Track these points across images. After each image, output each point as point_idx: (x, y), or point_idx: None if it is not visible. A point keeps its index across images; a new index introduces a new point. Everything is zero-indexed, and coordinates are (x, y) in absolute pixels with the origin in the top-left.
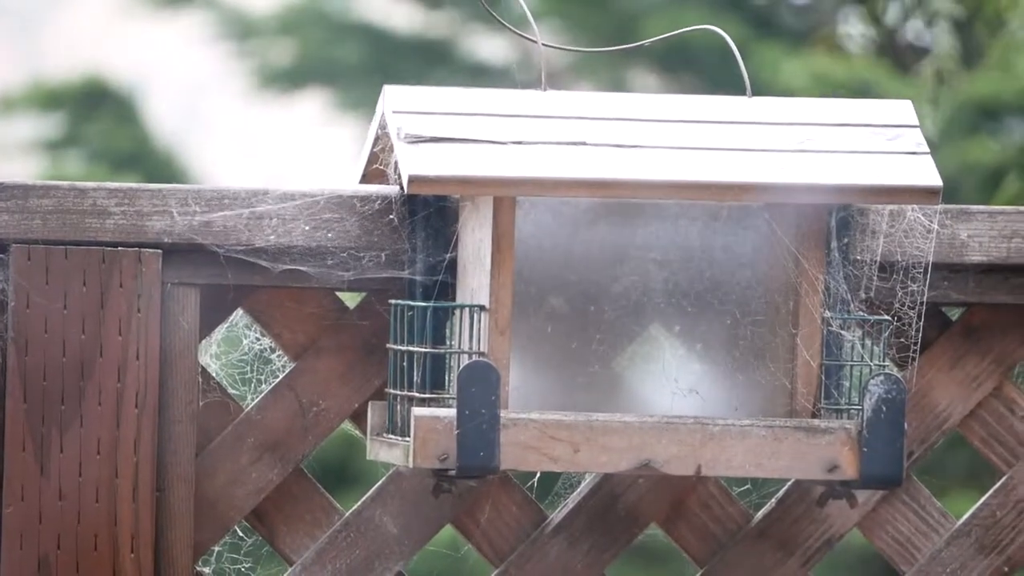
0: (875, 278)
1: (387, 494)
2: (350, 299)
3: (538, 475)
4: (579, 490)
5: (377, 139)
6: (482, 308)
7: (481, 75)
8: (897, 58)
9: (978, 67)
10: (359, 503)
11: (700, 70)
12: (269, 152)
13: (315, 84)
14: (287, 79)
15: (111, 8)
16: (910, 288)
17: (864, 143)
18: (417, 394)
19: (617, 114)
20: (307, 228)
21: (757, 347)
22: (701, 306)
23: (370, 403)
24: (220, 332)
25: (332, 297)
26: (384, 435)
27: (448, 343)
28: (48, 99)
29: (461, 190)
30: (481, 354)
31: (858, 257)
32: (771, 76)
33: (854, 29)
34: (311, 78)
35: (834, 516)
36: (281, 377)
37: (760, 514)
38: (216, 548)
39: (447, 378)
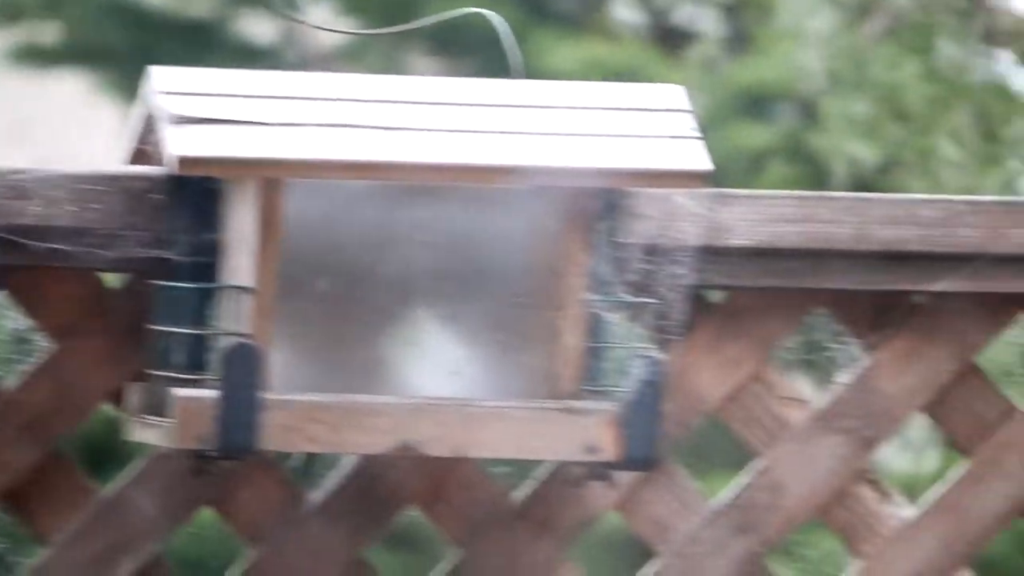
0: (639, 261)
1: (147, 475)
2: (113, 280)
3: (298, 456)
4: (338, 471)
5: (143, 120)
6: (246, 289)
7: (249, 57)
8: (668, 44)
9: (746, 54)
10: (118, 484)
11: (475, 54)
12: (32, 132)
13: (79, 64)
14: (49, 58)
15: None
16: (673, 271)
17: (635, 127)
18: (179, 375)
19: (387, 96)
20: (71, 208)
21: (520, 329)
22: (466, 289)
23: (132, 384)
24: None
25: (94, 277)
26: (145, 416)
27: (211, 324)
28: None
29: (227, 171)
30: (244, 335)
31: (623, 240)
32: (545, 61)
33: (626, 15)
34: (75, 58)
35: (593, 497)
36: (41, 358)
37: (519, 495)
38: None
39: (210, 359)
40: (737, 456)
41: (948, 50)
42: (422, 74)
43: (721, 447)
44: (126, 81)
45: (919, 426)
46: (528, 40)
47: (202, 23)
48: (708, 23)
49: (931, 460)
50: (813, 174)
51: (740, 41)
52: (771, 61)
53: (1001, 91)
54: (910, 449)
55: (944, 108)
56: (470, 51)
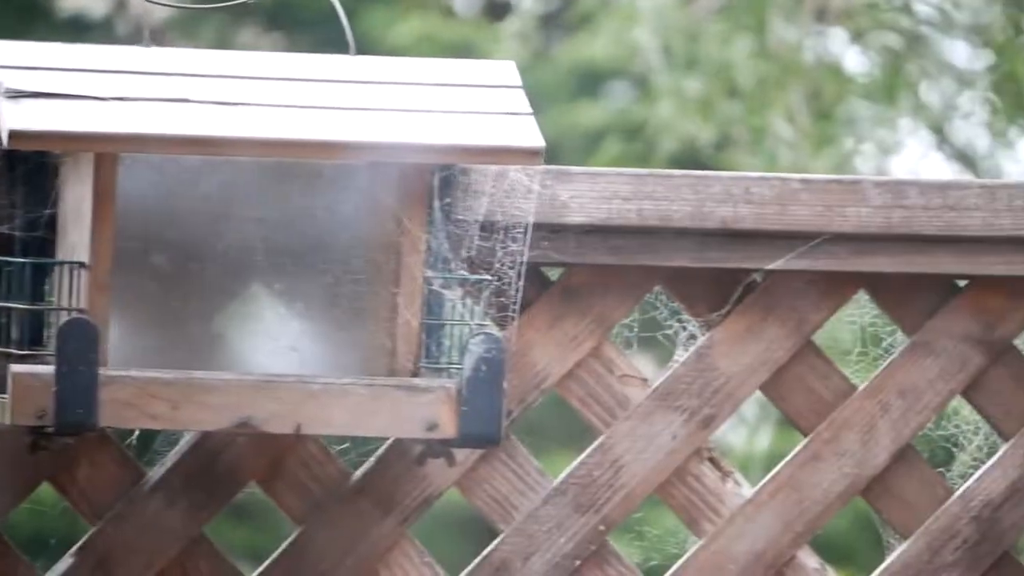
0: (477, 238)
1: None
2: None
3: (137, 432)
4: (178, 448)
5: None
6: (82, 265)
7: (81, 30)
8: (499, 19)
9: (580, 30)
10: None
11: (309, 31)
12: None
13: None
14: None
15: None
16: (511, 248)
17: (467, 103)
18: (16, 351)
19: (221, 71)
20: None
21: (358, 306)
22: (303, 264)
23: None
24: None
25: None
26: None
27: (47, 300)
28: None
29: (62, 146)
30: (80, 311)
31: (460, 217)
32: (380, 36)
33: None
34: None
35: (433, 475)
36: None
37: (359, 472)
38: None
39: (46, 335)
40: (577, 434)
41: (781, 28)
42: (257, 50)
43: (561, 425)
44: None
45: (752, 403)
46: (364, 16)
47: None
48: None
49: (764, 438)
50: (647, 152)
51: (575, 19)
52: (604, 38)
53: (834, 70)
54: (744, 426)
55: (777, 86)
56: (305, 27)
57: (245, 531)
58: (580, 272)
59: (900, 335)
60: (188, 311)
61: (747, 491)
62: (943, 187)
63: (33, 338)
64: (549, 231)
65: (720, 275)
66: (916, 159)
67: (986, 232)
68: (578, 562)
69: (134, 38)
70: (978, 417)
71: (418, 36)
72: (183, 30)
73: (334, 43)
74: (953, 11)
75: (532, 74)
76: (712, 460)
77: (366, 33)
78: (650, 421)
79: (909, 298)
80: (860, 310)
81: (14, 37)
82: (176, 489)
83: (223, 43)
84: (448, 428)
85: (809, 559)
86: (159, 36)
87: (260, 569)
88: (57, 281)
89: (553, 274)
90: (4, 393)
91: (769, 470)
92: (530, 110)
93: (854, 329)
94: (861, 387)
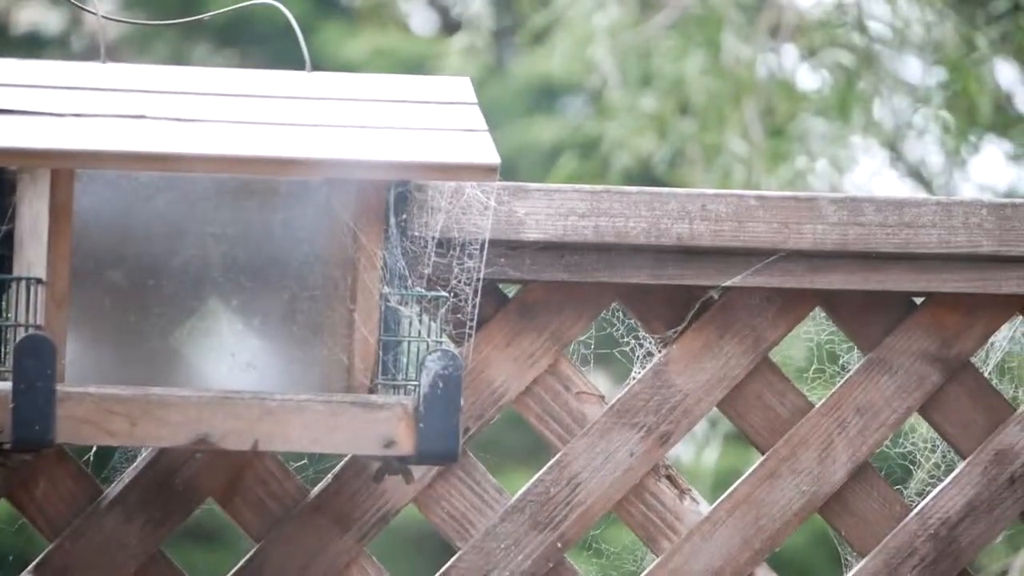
0: (433, 254)
1: None
2: None
3: (95, 449)
4: (135, 464)
5: None
6: (39, 281)
7: (35, 46)
8: (454, 35)
9: (534, 46)
10: None
11: (263, 47)
12: None
13: None
14: None
15: None
16: (467, 265)
17: (423, 119)
18: None
19: (178, 88)
20: None
21: (315, 322)
22: (259, 281)
23: None
24: None
25: None
26: None
27: (4, 316)
28: None
29: (18, 161)
30: (37, 327)
31: (416, 233)
32: (334, 52)
33: (415, 6)
34: None
35: (391, 492)
36: None
37: (317, 489)
38: None
39: (3, 351)
40: (534, 451)
41: (734, 45)
42: (211, 66)
43: (518, 441)
44: None
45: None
46: (318, 32)
47: None
48: (476, 14)
49: (713, 453)
50: (603, 168)
51: (530, 35)
52: (559, 54)
53: (787, 87)
54: (693, 442)
55: (730, 103)
56: (258, 43)
57: (202, 548)
58: (537, 289)
59: (856, 352)
60: (146, 327)
61: (704, 508)
62: (899, 204)
63: None
64: (506, 248)
65: (677, 292)
66: (870, 176)
67: (942, 249)
68: None
69: (90, 54)
70: (935, 434)
71: (372, 51)
72: (137, 46)
73: (287, 59)
74: (905, 28)
75: (487, 90)
76: (669, 477)
77: (320, 48)
78: (607, 438)
79: (866, 315)
80: (817, 327)
81: None
82: (134, 505)
83: (177, 59)
84: (405, 445)
85: None
86: (113, 52)
87: None
88: (14, 297)
89: (510, 291)
90: None
91: (718, 486)
92: (486, 127)
93: (810, 346)
94: (818, 404)
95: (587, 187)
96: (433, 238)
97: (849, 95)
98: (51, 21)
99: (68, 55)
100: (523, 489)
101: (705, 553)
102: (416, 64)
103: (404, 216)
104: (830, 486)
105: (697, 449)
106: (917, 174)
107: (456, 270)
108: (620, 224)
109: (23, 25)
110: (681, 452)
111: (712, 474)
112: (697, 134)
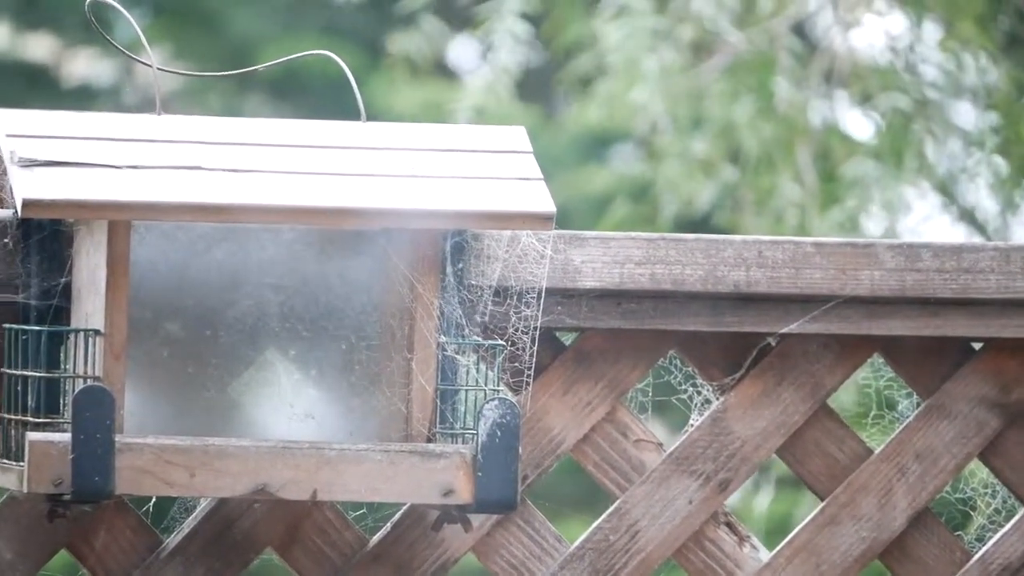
0: (490, 303)
1: (1, 519)
2: None
3: (154, 500)
4: (195, 515)
5: None
6: (97, 332)
7: (88, 98)
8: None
9: (584, 93)
10: None
11: (315, 97)
12: None
13: None
14: None
15: None
16: (524, 313)
17: (478, 168)
18: (32, 419)
19: (233, 139)
20: None
21: (373, 372)
22: (316, 331)
23: None
24: None
25: None
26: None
27: (63, 367)
28: None
29: (76, 214)
30: (96, 378)
31: (473, 282)
32: (385, 103)
33: (467, 57)
34: None
35: (449, 540)
36: None
37: (376, 538)
38: None
39: (62, 403)
40: (591, 498)
41: (786, 90)
42: (262, 116)
43: (574, 489)
44: None
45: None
46: (368, 83)
47: (39, 65)
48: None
49: (764, 498)
50: (654, 213)
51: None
52: (608, 101)
53: (840, 131)
54: (747, 487)
55: (783, 147)
56: (309, 94)
57: None
58: (594, 337)
59: (915, 398)
60: (203, 378)
61: (764, 555)
62: (957, 250)
63: (49, 406)
64: (562, 296)
65: (734, 339)
66: (923, 221)
67: (1001, 295)
68: None
69: (142, 106)
70: (995, 480)
71: (425, 101)
72: (190, 98)
73: (340, 110)
74: (958, 73)
75: (540, 139)
76: (729, 524)
77: (371, 99)
78: (666, 486)
79: (924, 361)
80: (875, 373)
81: (21, 105)
82: (193, 556)
83: (229, 111)
84: (464, 494)
85: None
86: (166, 104)
87: None
88: (72, 349)
89: (567, 339)
90: (21, 461)
91: (771, 531)
92: (541, 175)
93: (868, 392)
94: (878, 451)
95: (643, 235)
96: (490, 287)
97: (902, 140)
98: (102, 73)
99: (120, 107)
100: (582, 537)
101: None
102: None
103: (461, 265)
104: (890, 532)
105: (748, 494)
106: (971, 218)
107: (513, 318)
108: (677, 271)
109: (74, 77)
110: (734, 498)
111: (764, 519)
112: (749, 178)
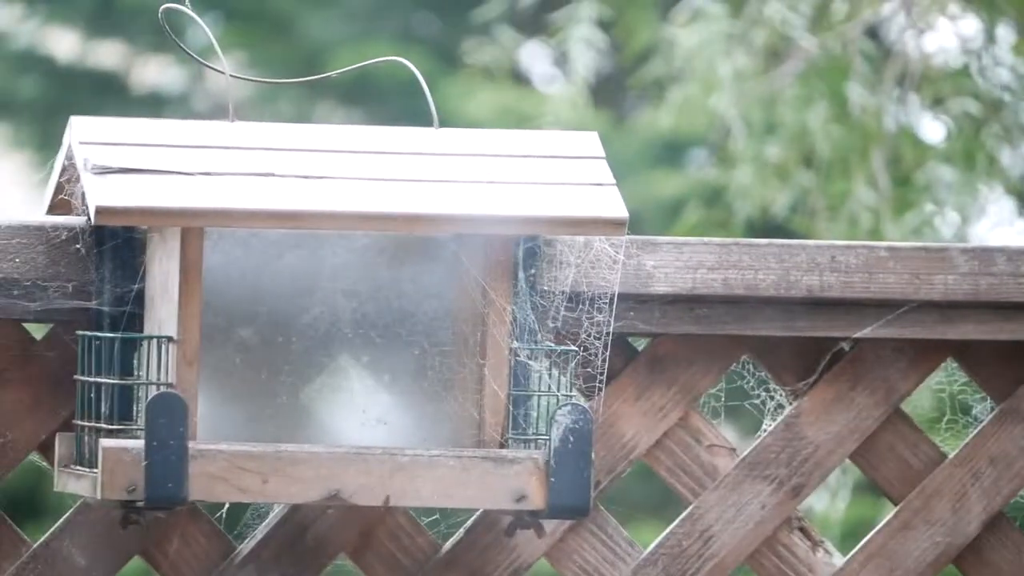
0: (562, 308)
1: (75, 525)
2: (37, 330)
3: (227, 506)
4: (268, 521)
5: (64, 170)
6: (170, 339)
7: (158, 105)
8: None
9: (656, 98)
10: (47, 535)
11: (385, 103)
12: None
13: None
14: None
15: None
16: (596, 318)
17: (550, 174)
18: (105, 425)
19: (305, 145)
20: None
21: (445, 377)
22: (389, 337)
23: (58, 435)
24: None
25: (19, 328)
26: (72, 466)
27: (136, 374)
28: None
29: (148, 221)
30: (169, 385)
31: (545, 287)
32: (457, 108)
33: (539, 62)
34: None
35: (522, 546)
36: None
37: (448, 544)
38: None
39: (135, 409)
40: (663, 503)
41: (860, 95)
42: (332, 122)
43: (646, 494)
44: (34, 131)
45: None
46: (440, 88)
47: (111, 72)
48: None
49: (842, 503)
50: (727, 218)
51: (652, 87)
52: (681, 106)
53: (913, 136)
54: (824, 491)
55: (856, 152)
56: (382, 99)
57: None
58: (666, 342)
59: (989, 402)
60: (276, 384)
61: (838, 560)
62: None
63: (122, 413)
64: (635, 301)
65: (807, 344)
66: (997, 225)
67: None
68: None
69: (212, 113)
70: None
71: (497, 106)
72: (260, 104)
73: (411, 115)
74: None
75: (612, 144)
76: (802, 529)
77: (444, 105)
78: (739, 491)
79: (998, 365)
80: (948, 377)
81: (92, 112)
82: (266, 562)
83: (301, 117)
84: (537, 499)
85: None
86: (237, 110)
87: None
88: (146, 356)
89: (639, 344)
90: (94, 468)
91: (847, 535)
92: (613, 180)
93: (942, 397)
94: (951, 455)
95: (716, 240)
96: (563, 292)
97: (975, 144)
98: (172, 80)
99: (189, 114)
100: (655, 542)
101: None
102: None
103: (533, 271)
104: (964, 537)
105: (828, 499)
106: None
107: (585, 324)
108: (750, 276)
109: (144, 84)
110: (812, 503)
111: (841, 524)
112: (822, 183)
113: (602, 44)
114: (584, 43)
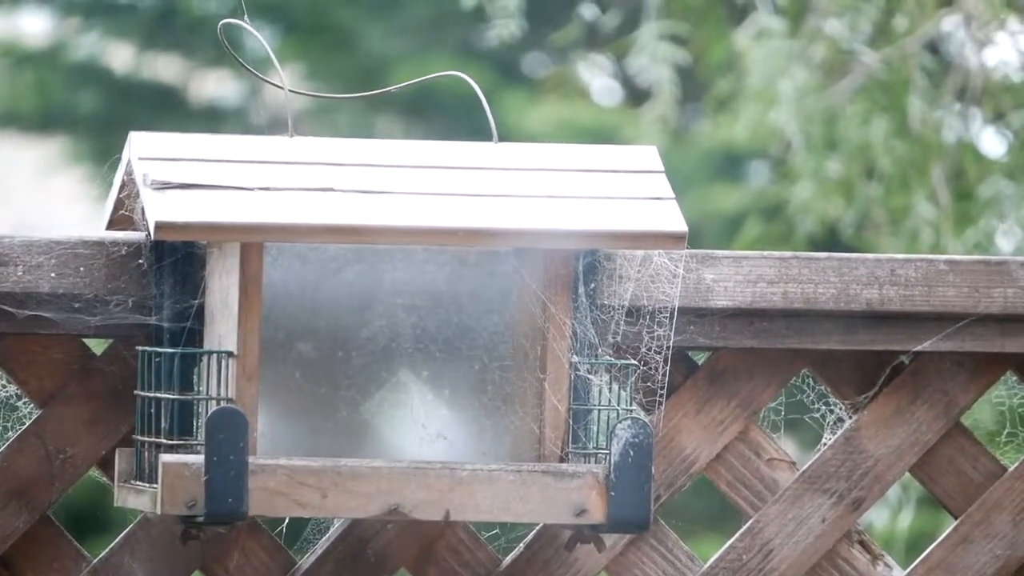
0: (622, 323)
1: (135, 541)
2: (97, 345)
3: (287, 520)
4: (328, 535)
5: (123, 185)
6: (230, 354)
7: (216, 119)
8: (637, 103)
9: (718, 113)
10: (107, 550)
11: (445, 117)
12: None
13: (46, 129)
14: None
15: None
16: (656, 333)
17: (610, 188)
18: (165, 440)
19: (365, 160)
20: (53, 274)
21: (505, 392)
22: (449, 351)
23: (118, 450)
24: None
25: (79, 343)
26: (132, 482)
27: (196, 389)
28: None
29: (208, 236)
30: (229, 400)
31: (605, 302)
32: (516, 122)
33: (597, 75)
34: (43, 123)
35: (582, 560)
36: (28, 424)
37: (508, 559)
38: None
39: (195, 424)
40: (721, 516)
41: (920, 109)
42: (391, 136)
43: (705, 507)
44: (93, 145)
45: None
46: (499, 101)
47: (168, 86)
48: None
49: (907, 517)
50: (788, 232)
51: (713, 102)
52: (742, 120)
53: (974, 149)
54: (886, 506)
55: (917, 166)
56: (439, 113)
57: None
58: (726, 356)
59: None
60: (335, 398)
61: (898, 574)
62: None
63: (182, 428)
64: (694, 315)
65: (867, 357)
66: None
67: None
68: None
69: (270, 127)
70: None
71: (556, 121)
72: (319, 117)
73: (470, 130)
74: None
75: (670, 157)
76: (862, 543)
77: (503, 119)
78: (799, 504)
79: None
80: (1008, 391)
81: (149, 126)
82: None
83: (359, 130)
84: (597, 513)
85: None
86: (295, 124)
87: None
88: (205, 371)
89: (699, 358)
90: (155, 483)
91: (911, 550)
92: (672, 195)
93: (1002, 410)
94: (1011, 468)
95: (776, 253)
96: (622, 307)
97: None
98: (230, 94)
99: (247, 127)
100: (715, 556)
101: None
102: (599, 133)
103: (593, 285)
104: None
105: (891, 514)
106: None
107: (645, 338)
108: (809, 290)
109: (202, 98)
110: (875, 517)
111: (905, 538)
112: (883, 198)
113: (681, 60)
114: (666, 61)
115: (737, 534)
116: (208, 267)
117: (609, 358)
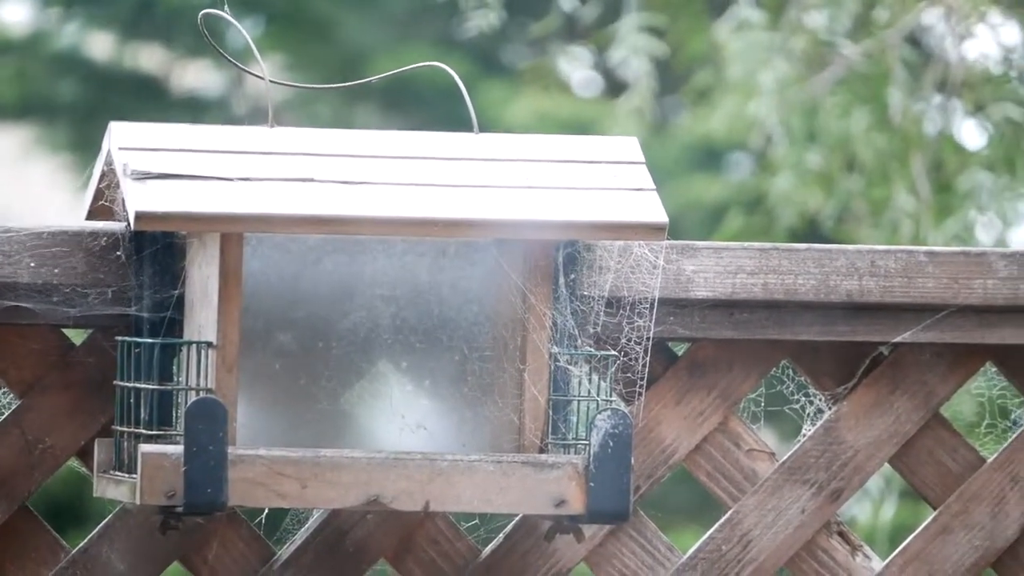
0: (602, 313)
1: (114, 531)
2: (76, 336)
3: (266, 511)
4: (307, 526)
5: (103, 175)
6: (209, 344)
7: (197, 109)
8: (615, 95)
9: (697, 105)
10: (86, 540)
11: (425, 108)
12: None
13: (24, 117)
14: (8, 112)
15: None
16: (636, 323)
17: (590, 179)
18: (144, 431)
19: (345, 151)
20: (32, 264)
21: (485, 383)
22: (429, 342)
23: (97, 440)
24: None
25: (58, 334)
26: (111, 472)
27: (175, 380)
28: None
29: (188, 226)
30: (208, 391)
31: (585, 292)
32: (496, 113)
33: (577, 67)
34: (21, 112)
35: (562, 550)
36: (6, 414)
37: (488, 549)
38: None
39: (175, 415)
40: (701, 508)
41: (900, 101)
42: (371, 127)
43: (685, 498)
44: (72, 134)
45: (876, 475)
46: (479, 93)
47: (149, 76)
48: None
49: (889, 509)
50: (769, 224)
51: (692, 94)
52: (722, 112)
53: (954, 142)
54: (868, 499)
55: (897, 158)
56: (419, 104)
57: None
58: (706, 347)
59: None
60: (315, 389)
61: (877, 564)
62: None
63: (162, 418)
64: (674, 306)
65: (846, 348)
66: None
67: None
68: None
69: (251, 117)
70: None
71: (535, 113)
72: (299, 109)
73: (450, 121)
74: None
75: (650, 149)
76: (841, 534)
77: (483, 110)
78: (778, 495)
79: None
80: (987, 382)
81: (130, 116)
82: (306, 567)
83: (339, 121)
84: (576, 504)
85: None
86: (275, 115)
87: None
88: (185, 361)
89: (679, 349)
90: (134, 473)
91: (894, 541)
92: (653, 186)
93: (981, 401)
94: (990, 459)
95: (756, 245)
96: (602, 297)
97: (1015, 149)
98: (212, 84)
99: (229, 117)
100: (695, 547)
101: None
102: (579, 125)
103: (573, 276)
104: (1003, 541)
105: (873, 506)
106: None
107: (625, 329)
108: (789, 281)
109: (183, 88)
110: (857, 510)
111: (887, 531)
112: (863, 190)
113: (659, 52)
114: (644, 53)
115: (716, 525)
116: (188, 257)
117: (589, 349)
